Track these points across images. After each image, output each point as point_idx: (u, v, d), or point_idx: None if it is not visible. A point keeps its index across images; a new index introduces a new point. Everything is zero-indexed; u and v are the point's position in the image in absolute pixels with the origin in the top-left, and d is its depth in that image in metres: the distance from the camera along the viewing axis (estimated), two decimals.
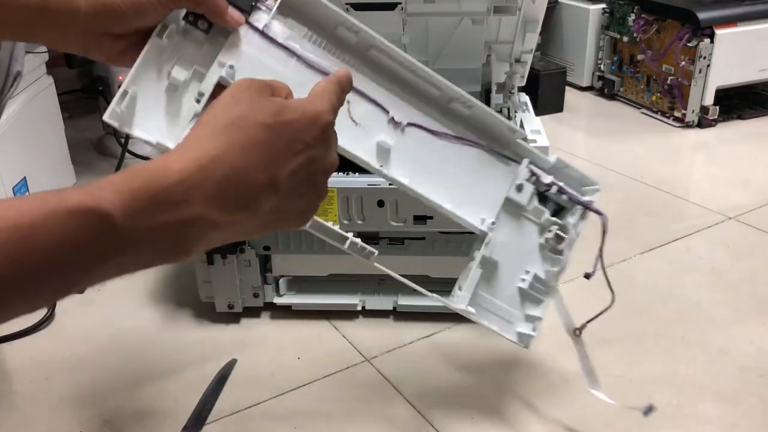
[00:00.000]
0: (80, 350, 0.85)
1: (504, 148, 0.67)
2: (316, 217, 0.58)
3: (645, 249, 1.05)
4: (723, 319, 0.89)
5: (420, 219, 0.82)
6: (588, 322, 0.68)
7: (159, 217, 0.40)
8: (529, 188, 0.67)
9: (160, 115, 0.55)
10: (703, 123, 1.52)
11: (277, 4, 0.57)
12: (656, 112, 1.60)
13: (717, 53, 1.46)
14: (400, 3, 0.79)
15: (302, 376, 0.80)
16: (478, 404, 0.76)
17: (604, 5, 1.66)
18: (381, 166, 0.63)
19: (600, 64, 1.71)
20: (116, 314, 0.92)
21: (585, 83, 1.75)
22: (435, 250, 0.87)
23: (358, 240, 0.63)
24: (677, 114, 1.55)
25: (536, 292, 0.69)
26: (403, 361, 0.83)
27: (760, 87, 1.64)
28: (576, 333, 0.69)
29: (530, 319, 0.69)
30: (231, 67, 0.55)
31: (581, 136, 1.56)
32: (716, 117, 1.52)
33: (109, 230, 0.38)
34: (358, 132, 0.61)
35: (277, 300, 0.91)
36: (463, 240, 0.85)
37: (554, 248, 0.68)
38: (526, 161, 0.67)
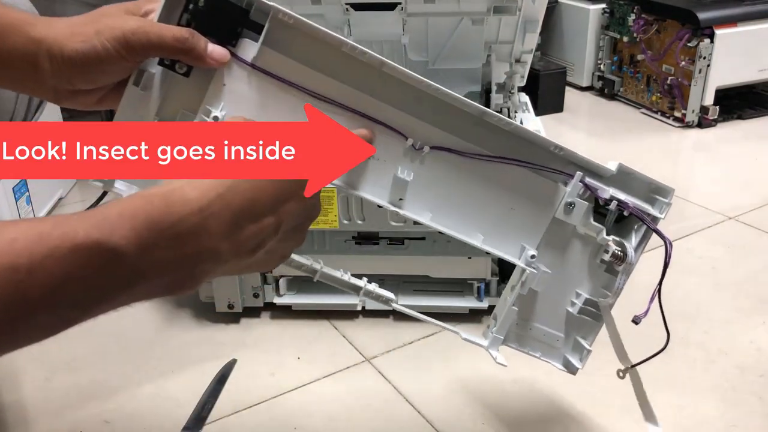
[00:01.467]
0: (80, 350, 0.85)
1: (550, 162, 0.57)
2: (326, 269, 0.57)
3: (645, 249, 1.04)
4: (723, 319, 0.89)
5: None
6: (636, 365, 0.63)
7: (175, 248, 0.38)
8: (582, 206, 0.58)
9: None
10: (703, 123, 1.52)
11: (265, 30, 0.50)
12: (656, 112, 1.60)
13: (717, 53, 1.46)
14: (400, 3, 0.79)
15: (302, 376, 0.80)
16: (478, 404, 0.76)
17: (604, 5, 1.66)
18: (400, 199, 0.55)
19: (600, 64, 1.71)
20: (116, 314, 0.91)
21: (585, 83, 1.75)
22: (435, 250, 0.87)
23: (373, 286, 0.59)
24: (677, 114, 1.55)
25: (587, 315, 0.62)
26: (403, 361, 0.83)
27: (760, 87, 1.64)
28: (620, 375, 0.63)
29: (578, 348, 0.63)
30: (216, 118, 0.49)
31: (581, 136, 1.56)
32: (716, 117, 1.52)
33: (119, 266, 0.35)
34: (372, 166, 0.54)
35: (277, 300, 0.90)
36: None
37: (611, 269, 0.60)
38: (579, 174, 0.57)
